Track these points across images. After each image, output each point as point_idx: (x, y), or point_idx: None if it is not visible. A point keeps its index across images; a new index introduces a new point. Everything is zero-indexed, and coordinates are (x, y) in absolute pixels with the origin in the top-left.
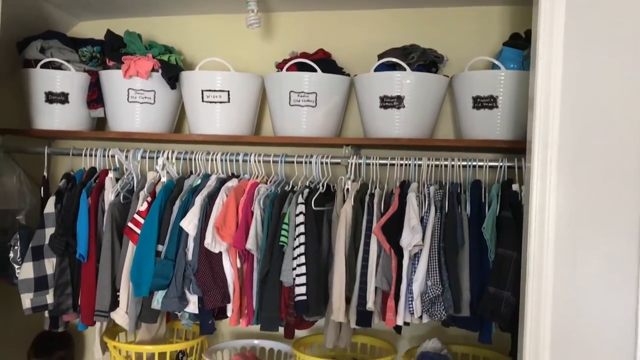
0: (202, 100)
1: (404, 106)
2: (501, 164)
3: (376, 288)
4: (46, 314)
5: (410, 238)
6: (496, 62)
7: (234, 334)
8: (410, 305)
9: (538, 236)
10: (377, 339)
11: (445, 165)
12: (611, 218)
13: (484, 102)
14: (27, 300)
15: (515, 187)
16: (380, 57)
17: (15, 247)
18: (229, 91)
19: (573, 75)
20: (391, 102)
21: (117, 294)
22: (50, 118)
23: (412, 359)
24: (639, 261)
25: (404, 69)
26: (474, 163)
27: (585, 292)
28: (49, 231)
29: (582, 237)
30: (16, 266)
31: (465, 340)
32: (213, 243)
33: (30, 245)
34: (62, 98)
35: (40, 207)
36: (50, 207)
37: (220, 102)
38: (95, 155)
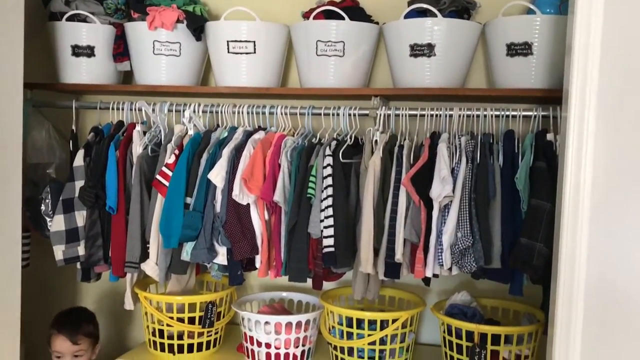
0: (228, 52)
1: (434, 54)
2: (535, 113)
3: (405, 240)
4: (78, 265)
5: (440, 189)
6: (532, 7)
7: (263, 286)
8: (440, 257)
9: (574, 187)
10: (406, 292)
11: (477, 116)
12: None
13: (519, 49)
14: (59, 252)
15: (549, 136)
16: (410, 3)
17: (47, 200)
18: (254, 42)
19: (615, 18)
20: (422, 50)
21: (147, 245)
22: (77, 72)
23: (441, 311)
24: None
25: (435, 16)
26: (507, 113)
27: (622, 245)
28: (79, 184)
29: (620, 189)
30: (48, 219)
31: (494, 294)
32: (241, 195)
33: (60, 198)
34: (88, 51)
35: (69, 160)
36: (79, 160)
37: (246, 53)
38: (123, 109)
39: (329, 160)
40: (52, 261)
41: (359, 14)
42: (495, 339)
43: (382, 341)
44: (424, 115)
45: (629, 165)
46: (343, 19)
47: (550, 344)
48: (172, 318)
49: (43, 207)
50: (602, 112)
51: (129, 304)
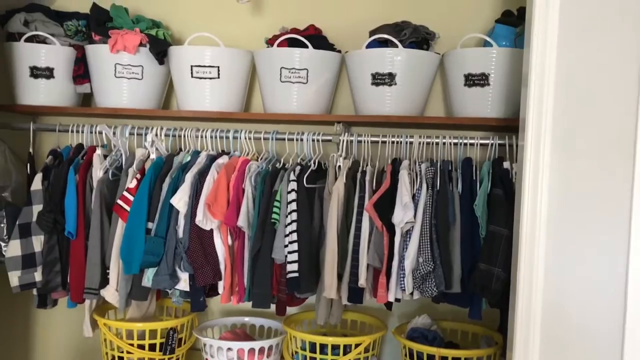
0: (192, 76)
1: (395, 83)
2: (492, 141)
3: (368, 265)
4: (34, 292)
5: (402, 215)
6: (488, 39)
7: (225, 312)
8: (402, 282)
9: (530, 213)
10: (368, 316)
11: (437, 143)
12: (604, 197)
13: (476, 80)
14: (14, 278)
15: (506, 164)
16: (372, 33)
17: (1, 225)
18: (218, 67)
19: (568, 51)
20: (383, 79)
21: (107, 271)
22: (36, 93)
23: (403, 335)
24: (628, 240)
25: (396, 46)
26: (465, 141)
27: (577, 270)
28: (37, 208)
29: (575, 216)
30: (2, 244)
31: (454, 316)
32: (204, 220)
33: (17, 222)
34: (47, 73)
35: (26, 184)
36: (37, 184)
37: (210, 78)
38: (82, 132)
39: (293, 185)
40: (5, 287)
41: (322, 43)
42: None
43: None
44: (385, 142)
45: (583, 192)
46: (307, 47)
47: None
48: (132, 345)
49: None
50: (557, 141)
51: (87, 331)
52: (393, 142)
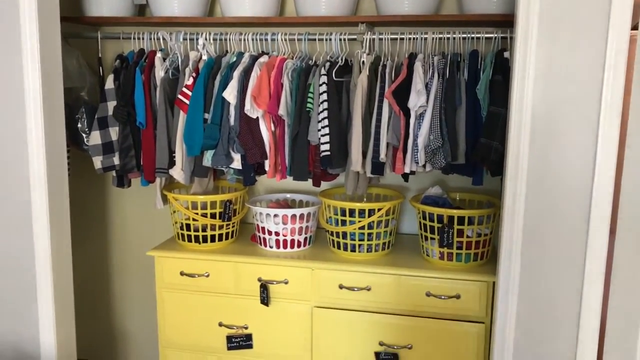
0: None
1: None
2: (496, 35)
3: (387, 143)
4: (114, 173)
5: (416, 100)
6: None
7: (268, 190)
8: (416, 156)
9: (519, 92)
10: (389, 190)
11: (448, 38)
12: (579, 77)
13: None
14: (97, 162)
15: (506, 54)
16: None
17: (82, 119)
18: None
19: None
20: None
21: (173, 155)
22: (99, 5)
23: (418, 202)
24: (600, 95)
25: None
26: (473, 35)
27: (559, 144)
28: (111, 104)
29: (556, 94)
30: (84, 135)
31: (461, 189)
32: (252, 109)
33: (96, 117)
34: None
35: (98, 84)
36: (110, 83)
37: None
38: (142, 39)
39: (324, 79)
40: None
41: None
42: (461, 220)
43: (370, 226)
44: (403, 39)
45: (564, 75)
46: None
47: (502, 220)
48: (197, 214)
49: (79, 125)
50: (543, 33)
51: (159, 204)
52: (410, 39)
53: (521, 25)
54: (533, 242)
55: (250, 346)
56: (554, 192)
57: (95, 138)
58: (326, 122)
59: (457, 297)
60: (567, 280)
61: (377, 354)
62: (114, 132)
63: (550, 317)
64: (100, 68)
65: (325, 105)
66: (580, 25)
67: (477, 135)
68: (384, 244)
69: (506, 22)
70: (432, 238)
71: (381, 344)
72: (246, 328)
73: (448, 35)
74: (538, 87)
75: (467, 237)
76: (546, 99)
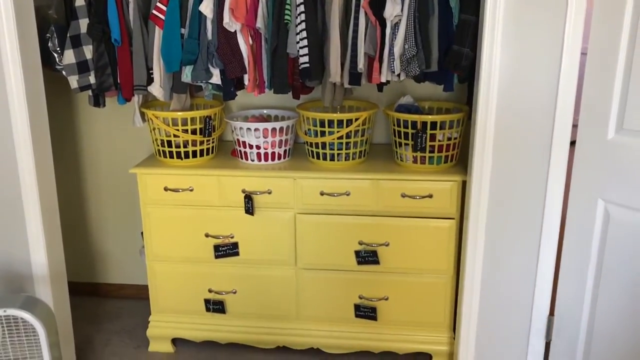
0: None
1: None
2: None
3: (365, 53)
4: (90, 93)
5: (392, 9)
6: None
7: (243, 107)
8: (392, 65)
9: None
10: (363, 101)
11: None
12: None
13: None
14: (73, 81)
15: None
16: None
17: (53, 38)
18: None
19: None
20: None
21: (150, 72)
22: None
23: (392, 111)
24: (562, 41)
25: None
26: None
27: (527, 55)
28: (83, 22)
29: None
30: (55, 55)
31: (429, 98)
32: (230, 22)
33: (68, 35)
34: None
35: (65, 1)
36: (80, 1)
37: None
38: None
39: None
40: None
41: None
42: (433, 125)
43: (347, 136)
44: None
45: None
46: None
47: (473, 126)
48: (178, 130)
49: (50, 44)
50: None
51: (138, 122)
52: None
53: None
54: (502, 143)
55: (237, 254)
56: (522, 94)
57: (69, 57)
58: (304, 34)
59: (430, 196)
60: (532, 179)
61: (357, 252)
62: (87, 51)
63: (516, 210)
64: None
65: (303, 17)
66: None
67: (449, 43)
68: (360, 152)
69: None
70: (406, 144)
71: (360, 243)
72: (232, 237)
73: None
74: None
75: (439, 140)
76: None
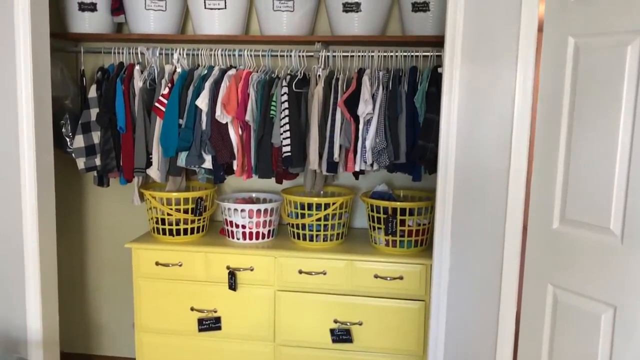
0: (205, 7)
1: (361, 10)
2: (432, 53)
3: (340, 145)
4: (95, 173)
5: (364, 108)
6: None
7: (236, 189)
8: (364, 156)
9: (447, 101)
10: (342, 188)
11: (392, 56)
12: (495, 89)
13: (420, 7)
14: (81, 162)
15: (440, 70)
16: None
17: (66, 124)
18: (225, 0)
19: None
20: (351, 7)
21: (150, 156)
22: (82, 23)
23: (367, 197)
24: (512, 108)
25: None
26: (413, 54)
27: (477, 134)
28: (94, 111)
29: (480, 97)
30: (67, 139)
31: (404, 187)
32: (222, 115)
33: (79, 122)
34: (91, 7)
35: (79, 94)
36: (92, 92)
37: (219, 9)
38: (122, 53)
39: (285, 89)
40: (70, 173)
41: None
42: (403, 212)
43: (325, 218)
44: (353, 56)
45: (482, 88)
46: None
47: (435, 210)
48: (171, 209)
49: (63, 130)
50: (465, 50)
51: (136, 200)
52: (359, 56)
53: (449, 44)
54: (461, 230)
55: (219, 328)
56: (477, 186)
57: (79, 141)
58: (287, 127)
59: (401, 278)
60: (489, 260)
61: (332, 330)
62: (95, 136)
63: (476, 290)
64: (83, 79)
65: (287, 112)
66: (496, 46)
67: (415, 138)
68: (338, 234)
69: (440, 42)
70: (379, 228)
71: (335, 321)
72: (215, 311)
73: (392, 54)
74: (462, 97)
75: (409, 226)
76: (468, 108)
